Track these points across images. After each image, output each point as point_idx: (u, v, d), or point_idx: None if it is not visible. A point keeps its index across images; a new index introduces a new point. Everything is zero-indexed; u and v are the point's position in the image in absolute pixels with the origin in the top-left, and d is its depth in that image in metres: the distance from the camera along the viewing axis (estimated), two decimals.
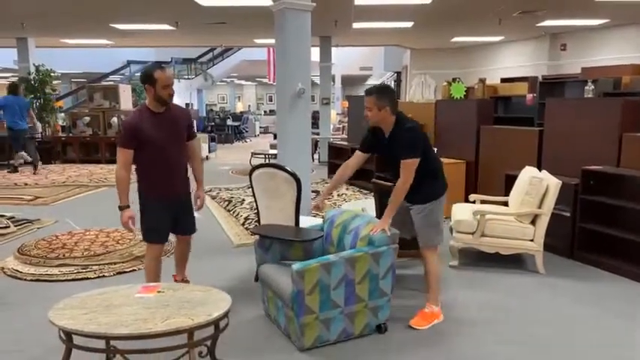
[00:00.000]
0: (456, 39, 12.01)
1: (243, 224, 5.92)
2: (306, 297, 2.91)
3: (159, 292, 2.74)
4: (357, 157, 3.46)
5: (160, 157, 3.26)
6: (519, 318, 3.50)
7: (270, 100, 30.19)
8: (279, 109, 4.89)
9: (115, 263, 4.49)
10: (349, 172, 3.49)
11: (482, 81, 7.29)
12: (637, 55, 9.13)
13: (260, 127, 23.49)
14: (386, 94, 3.19)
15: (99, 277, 4.19)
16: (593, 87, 5.21)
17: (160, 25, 9.79)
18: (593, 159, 4.68)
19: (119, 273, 4.29)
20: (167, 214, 3.38)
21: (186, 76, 20.03)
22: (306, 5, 4.67)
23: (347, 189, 8.28)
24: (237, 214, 6.38)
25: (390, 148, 3.24)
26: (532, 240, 4.33)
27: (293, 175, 3.88)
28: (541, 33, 11.00)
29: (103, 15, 8.79)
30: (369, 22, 9.54)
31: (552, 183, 4.29)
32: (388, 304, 3.18)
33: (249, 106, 28.96)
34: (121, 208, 3.26)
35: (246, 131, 20.87)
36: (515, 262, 4.58)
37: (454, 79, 6.83)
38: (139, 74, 17.16)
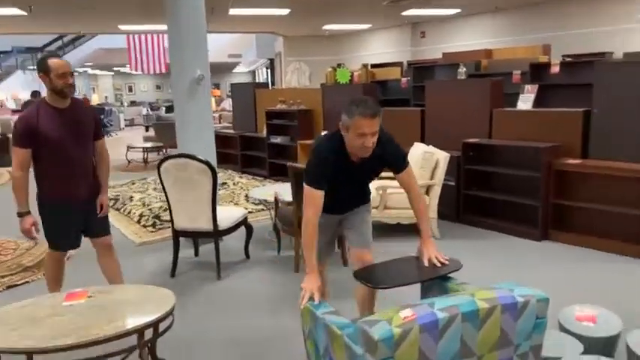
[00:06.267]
0: (327, 27, 12.44)
1: (139, 222, 5.59)
2: (306, 339, 2.21)
3: (89, 297, 2.54)
4: (320, 200, 2.39)
5: (61, 156, 2.91)
6: None
7: (130, 90, 28.29)
8: (177, 97, 4.68)
9: (3, 276, 3.97)
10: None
11: (365, 66, 7.71)
12: (487, 40, 10.39)
13: (125, 120, 21.94)
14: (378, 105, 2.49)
15: None
16: (465, 69, 5.85)
17: (9, 9, 8.61)
18: (471, 133, 5.28)
19: (10, 287, 3.81)
20: (72, 218, 3.04)
21: (31, 67, 17.86)
22: None
23: (241, 177, 8.23)
24: (130, 212, 5.98)
25: (361, 170, 2.55)
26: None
27: (207, 163, 3.79)
28: (404, 22, 11.91)
29: None
30: (247, 9, 9.46)
31: (442, 156, 4.77)
32: None
33: (107, 97, 26.77)
34: (20, 215, 2.89)
35: (111, 125, 19.34)
36: (414, 230, 5.00)
37: (339, 65, 7.13)
38: None
